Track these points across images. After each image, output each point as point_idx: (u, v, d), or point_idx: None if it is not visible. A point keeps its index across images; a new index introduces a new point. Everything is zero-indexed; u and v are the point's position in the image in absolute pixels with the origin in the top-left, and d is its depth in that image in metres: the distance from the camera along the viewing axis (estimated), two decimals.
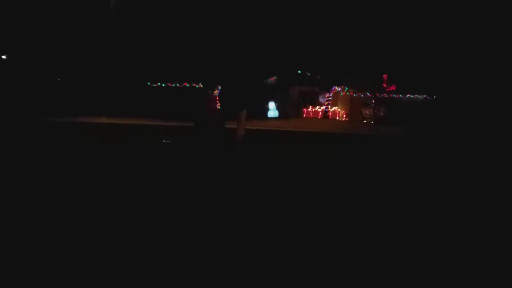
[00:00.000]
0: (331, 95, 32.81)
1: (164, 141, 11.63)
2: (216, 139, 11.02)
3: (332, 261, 3.69)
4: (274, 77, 30.29)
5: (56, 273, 3.22)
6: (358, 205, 5.56)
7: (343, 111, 32.95)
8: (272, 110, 27.98)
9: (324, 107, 32.84)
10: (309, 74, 31.52)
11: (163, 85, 30.90)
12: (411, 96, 32.02)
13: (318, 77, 31.53)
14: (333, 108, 32.99)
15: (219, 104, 25.78)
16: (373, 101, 31.19)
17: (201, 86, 29.17)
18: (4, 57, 29.21)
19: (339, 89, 32.59)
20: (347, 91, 32.39)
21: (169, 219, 4.66)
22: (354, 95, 32.22)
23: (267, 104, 27.84)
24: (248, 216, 4.88)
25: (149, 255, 3.63)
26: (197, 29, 26.28)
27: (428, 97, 31.92)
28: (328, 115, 32.56)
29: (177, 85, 30.79)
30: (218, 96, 27.82)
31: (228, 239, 4.10)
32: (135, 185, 6.12)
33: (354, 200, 5.82)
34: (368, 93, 31.59)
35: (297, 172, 7.93)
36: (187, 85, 30.74)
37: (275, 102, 28.19)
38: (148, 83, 30.63)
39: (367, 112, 31.32)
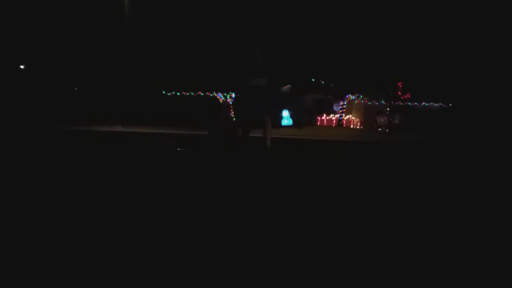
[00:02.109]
0: (345, 103, 32.75)
1: (178, 149, 11.68)
2: (229, 146, 11.04)
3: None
4: (288, 86, 30.38)
5: (68, 273, 3.24)
6: (367, 211, 5.51)
7: (357, 119, 32.86)
8: (286, 118, 28.02)
9: (338, 115, 32.78)
10: (323, 82, 31.55)
11: (178, 93, 31.21)
12: (426, 104, 31.81)
13: (332, 85, 31.56)
14: (347, 116, 32.91)
15: (232, 112, 25.83)
16: (387, 109, 31.05)
17: (215, 94, 29.41)
18: (22, 66, 29.80)
19: (353, 97, 32.52)
20: (362, 99, 32.31)
21: (175, 220, 4.68)
22: (369, 103, 32.12)
23: (280, 112, 27.90)
24: (252, 221, 4.86)
25: (160, 254, 3.65)
26: (211, 34, 26.58)
27: (443, 105, 31.67)
28: (342, 123, 32.49)
29: (192, 93, 31.07)
30: (231, 104, 27.99)
31: (230, 239, 4.10)
32: (147, 189, 6.16)
33: (363, 205, 5.77)
34: (382, 101, 31.49)
35: (309, 178, 7.90)
36: (201, 94, 31.00)
37: (289, 110, 28.23)
38: (163, 92, 30.98)
39: (382, 120, 31.17)
